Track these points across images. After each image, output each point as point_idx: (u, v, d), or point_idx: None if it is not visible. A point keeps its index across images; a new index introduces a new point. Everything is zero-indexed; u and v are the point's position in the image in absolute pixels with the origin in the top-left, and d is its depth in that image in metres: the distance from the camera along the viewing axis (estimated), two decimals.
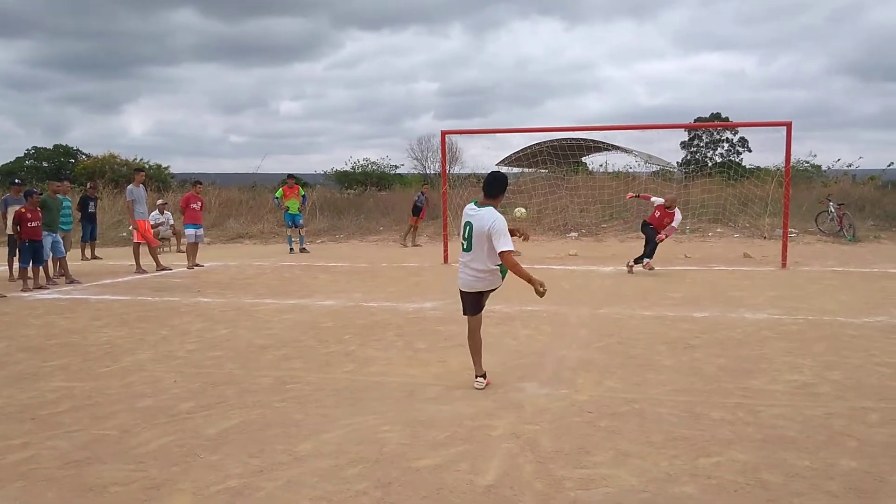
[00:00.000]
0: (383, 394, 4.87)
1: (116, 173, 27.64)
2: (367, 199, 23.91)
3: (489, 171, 5.16)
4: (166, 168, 31.39)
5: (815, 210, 18.02)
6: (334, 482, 3.41)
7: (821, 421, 4.22)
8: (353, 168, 30.76)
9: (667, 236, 11.01)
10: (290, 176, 16.84)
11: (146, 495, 3.30)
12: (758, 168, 24.64)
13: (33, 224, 10.13)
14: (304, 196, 16.66)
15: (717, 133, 43.94)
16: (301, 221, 16.11)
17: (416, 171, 33.14)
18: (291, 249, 15.84)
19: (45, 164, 37.14)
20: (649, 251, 11.08)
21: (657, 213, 11.18)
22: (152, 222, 14.83)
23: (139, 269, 12.18)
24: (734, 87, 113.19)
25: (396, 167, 32.09)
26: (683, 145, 44.81)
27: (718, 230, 18.24)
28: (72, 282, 10.88)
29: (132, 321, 7.70)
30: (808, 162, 25.04)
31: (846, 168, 23.53)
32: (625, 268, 11.50)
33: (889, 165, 22.68)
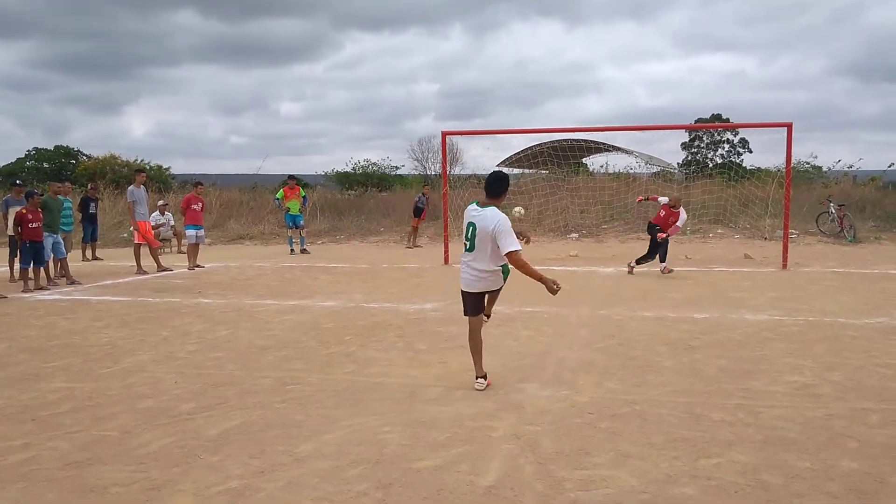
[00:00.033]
0: (384, 395, 4.88)
1: (117, 174, 27.65)
2: (367, 200, 23.91)
3: (490, 172, 5.14)
4: (167, 169, 31.41)
5: (816, 211, 18.02)
6: (335, 483, 3.41)
7: (821, 422, 4.22)
8: (353, 169, 30.78)
9: (668, 235, 11.02)
10: (291, 177, 16.87)
11: (147, 496, 3.31)
12: (758, 169, 24.63)
13: (34, 225, 10.15)
14: (304, 197, 16.70)
15: (718, 134, 43.92)
16: (302, 222, 16.13)
17: (416, 172, 33.12)
18: (292, 250, 15.86)
19: (45, 165, 37.15)
20: (662, 254, 11.10)
21: (662, 213, 11.19)
22: (153, 223, 14.84)
23: (140, 270, 12.20)
24: (734, 88, 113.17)
25: (397, 168, 32.16)
26: (684, 146, 44.83)
27: (719, 231, 18.25)
28: (73, 283, 10.90)
29: (133, 322, 7.71)
30: (808, 163, 25.11)
31: (847, 169, 23.56)
32: (625, 269, 11.52)
33: (890, 166, 22.69)
